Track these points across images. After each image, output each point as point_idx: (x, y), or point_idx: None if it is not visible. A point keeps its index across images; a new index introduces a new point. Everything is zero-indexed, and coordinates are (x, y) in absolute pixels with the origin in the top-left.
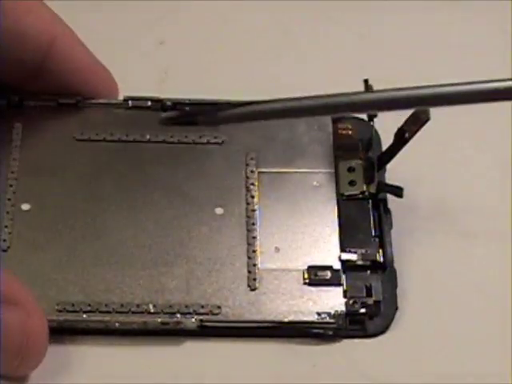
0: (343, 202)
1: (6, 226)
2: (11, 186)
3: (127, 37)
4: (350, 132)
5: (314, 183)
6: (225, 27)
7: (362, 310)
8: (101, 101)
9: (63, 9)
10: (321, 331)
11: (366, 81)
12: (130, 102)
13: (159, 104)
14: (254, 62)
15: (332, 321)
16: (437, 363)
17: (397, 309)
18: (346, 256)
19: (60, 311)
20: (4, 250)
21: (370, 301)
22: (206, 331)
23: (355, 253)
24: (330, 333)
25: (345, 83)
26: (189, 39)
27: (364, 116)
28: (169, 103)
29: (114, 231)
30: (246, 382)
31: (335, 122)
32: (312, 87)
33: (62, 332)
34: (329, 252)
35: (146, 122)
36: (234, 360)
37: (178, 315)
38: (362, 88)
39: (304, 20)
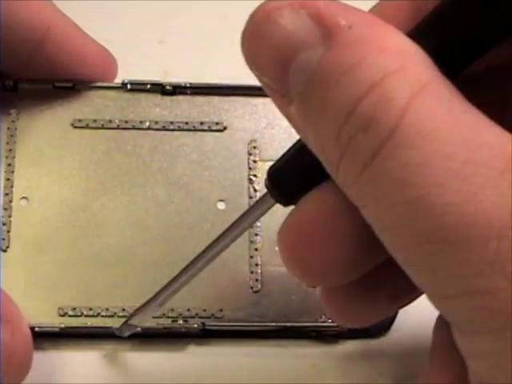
0: None
1: (4, 224)
2: (8, 179)
3: (127, 36)
4: None
5: None
6: (225, 27)
7: None
8: (98, 84)
9: (63, 9)
10: (323, 334)
11: None
12: (128, 85)
13: (159, 87)
14: None
15: (334, 325)
16: None
17: None
18: None
19: (61, 316)
20: (3, 250)
21: None
22: (208, 334)
23: None
24: (332, 335)
25: None
26: (189, 39)
27: None
28: (169, 87)
29: (114, 229)
30: None
31: None
32: None
33: (64, 336)
34: None
35: (145, 105)
36: (235, 362)
37: (181, 319)
38: None
39: None
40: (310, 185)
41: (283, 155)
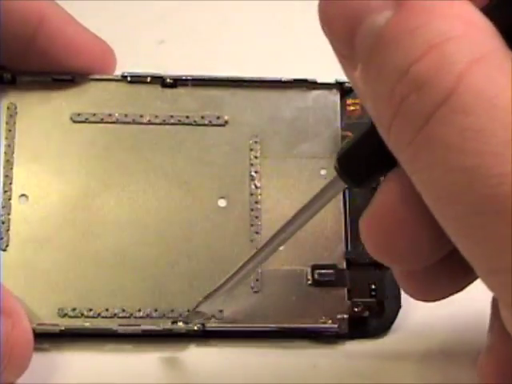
0: (349, 191)
1: (3, 223)
2: (7, 176)
3: (127, 37)
4: (360, 107)
5: (321, 172)
6: (225, 27)
7: (366, 314)
8: (98, 76)
9: None
10: (323, 334)
11: None
12: (128, 78)
13: (160, 80)
14: (255, 63)
15: (335, 326)
16: (440, 363)
17: (400, 307)
18: (350, 253)
19: (61, 316)
20: (3, 250)
21: (374, 301)
22: (208, 334)
23: (360, 248)
24: (332, 335)
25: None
26: (189, 39)
27: None
28: (169, 80)
29: (114, 227)
30: None
31: (343, 96)
32: None
33: (64, 337)
34: (334, 248)
35: (146, 98)
36: (236, 363)
37: (181, 320)
38: None
39: (306, 21)
40: (381, 167)
41: (352, 138)
